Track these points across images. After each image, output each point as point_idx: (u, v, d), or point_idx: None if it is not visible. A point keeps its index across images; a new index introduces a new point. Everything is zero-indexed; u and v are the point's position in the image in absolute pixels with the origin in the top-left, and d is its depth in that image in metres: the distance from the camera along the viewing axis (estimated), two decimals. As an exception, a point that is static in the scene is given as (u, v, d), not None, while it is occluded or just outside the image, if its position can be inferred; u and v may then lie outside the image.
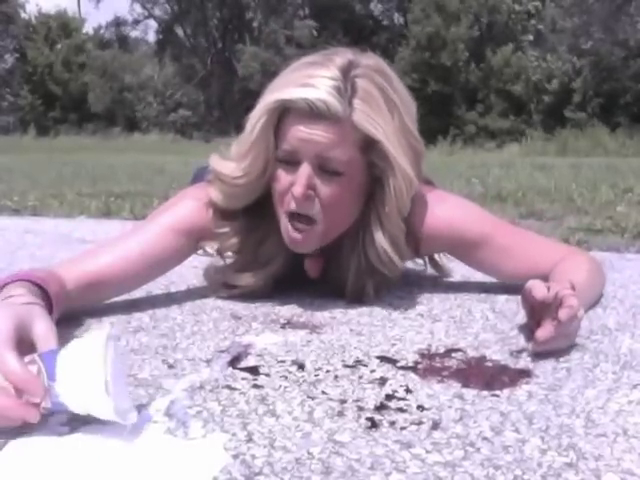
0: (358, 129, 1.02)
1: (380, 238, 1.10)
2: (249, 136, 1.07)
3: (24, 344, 0.70)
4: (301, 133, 1.01)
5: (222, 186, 1.13)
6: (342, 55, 1.05)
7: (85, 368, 0.66)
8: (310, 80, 1.00)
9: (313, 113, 1.00)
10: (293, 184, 1.04)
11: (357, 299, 1.20)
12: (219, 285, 1.24)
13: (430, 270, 1.38)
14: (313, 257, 1.21)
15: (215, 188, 1.14)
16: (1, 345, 0.68)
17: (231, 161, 1.11)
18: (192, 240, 1.18)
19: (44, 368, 0.67)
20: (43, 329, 0.72)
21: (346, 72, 1.01)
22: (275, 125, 1.05)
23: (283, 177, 1.06)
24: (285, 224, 1.08)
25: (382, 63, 1.10)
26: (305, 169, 1.03)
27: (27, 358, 0.69)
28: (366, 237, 1.12)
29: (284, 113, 1.04)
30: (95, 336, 0.68)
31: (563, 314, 0.88)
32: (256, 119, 1.05)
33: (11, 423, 0.67)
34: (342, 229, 1.13)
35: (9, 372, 0.66)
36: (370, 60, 1.07)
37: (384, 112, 1.03)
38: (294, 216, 1.07)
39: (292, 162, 1.04)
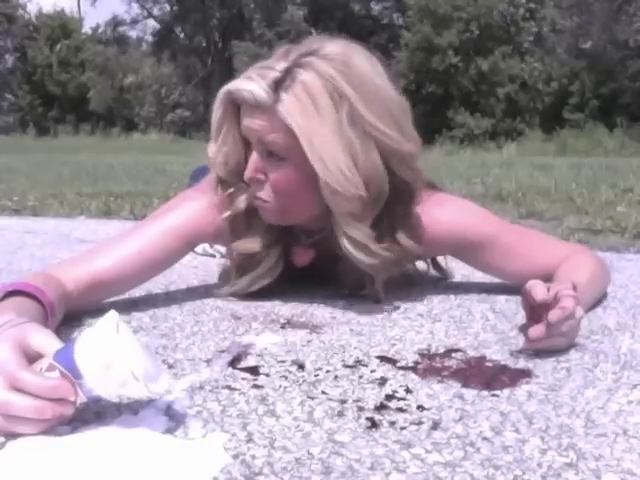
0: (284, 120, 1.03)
1: (337, 230, 1.09)
2: (213, 127, 1.13)
3: (30, 360, 0.70)
4: (244, 121, 1.07)
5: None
6: (307, 44, 1.07)
7: (107, 359, 0.66)
8: (253, 73, 1.05)
9: (248, 103, 1.05)
10: None
11: (354, 292, 1.21)
12: (231, 278, 1.23)
13: (432, 271, 1.38)
14: (302, 247, 1.21)
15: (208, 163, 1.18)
16: (14, 368, 0.67)
17: (214, 144, 1.15)
18: (191, 243, 1.19)
19: (65, 369, 0.67)
20: (41, 338, 0.72)
21: (294, 63, 1.03)
22: (236, 115, 1.09)
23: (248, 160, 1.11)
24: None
25: (349, 51, 1.06)
26: (253, 155, 1.08)
27: (41, 364, 0.69)
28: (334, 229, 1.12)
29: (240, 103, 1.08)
30: (104, 324, 0.68)
31: (552, 315, 0.88)
32: (215, 111, 1.11)
33: (49, 424, 0.67)
34: (303, 214, 1.14)
35: (35, 388, 0.66)
36: (333, 47, 1.05)
37: (321, 106, 1.01)
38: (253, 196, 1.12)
39: (251, 147, 1.09)
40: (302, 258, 1.23)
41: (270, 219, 1.13)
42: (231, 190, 1.15)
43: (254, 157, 1.08)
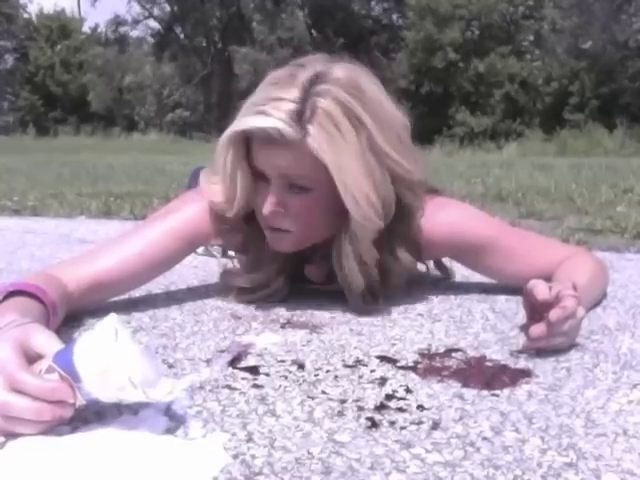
0: (312, 153, 1.00)
1: (347, 251, 1.09)
2: (224, 170, 1.07)
3: (31, 360, 0.70)
4: (262, 157, 1.03)
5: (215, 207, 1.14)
6: (310, 68, 1.02)
7: (104, 365, 0.66)
8: (266, 107, 0.99)
9: (269, 139, 1.00)
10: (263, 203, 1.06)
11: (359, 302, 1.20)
12: (235, 290, 1.22)
13: (431, 270, 1.38)
14: (314, 263, 1.21)
15: (210, 204, 1.14)
16: (14, 369, 0.67)
17: (217, 185, 1.11)
18: (192, 245, 1.19)
19: (64, 372, 0.67)
20: (43, 339, 0.73)
21: (307, 91, 0.99)
22: (245, 150, 1.06)
23: (260, 191, 1.07)
24: (266, 231, 1.11)
25: (356, 74, 1.05)
26: (273, 189, 1.05)
27: (41, 365, 0.69)
28: (336, 247, 1.11)
29: (250, 137, 1.04)
30: (103, 328, 0.68)
31: (553, 314, 0.89)
32: (225, 152, 1.06)
33: (48, 425, 0.68)
34: (319, 237, 1.13)
35: (34, 390, 0.66)
36: (341, 71, 1.03)
37: (345, 134, 0.99)
38: (270, 228, 1.09)
39: (265, 178, 1.06)
40: (318, 275, 1.23)
41: (287, 248, 1.12)
42: (226, 226, 1.15)
43: (274, 191, 1.04)
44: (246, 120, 1.02)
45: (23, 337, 0.72)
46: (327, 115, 0.99)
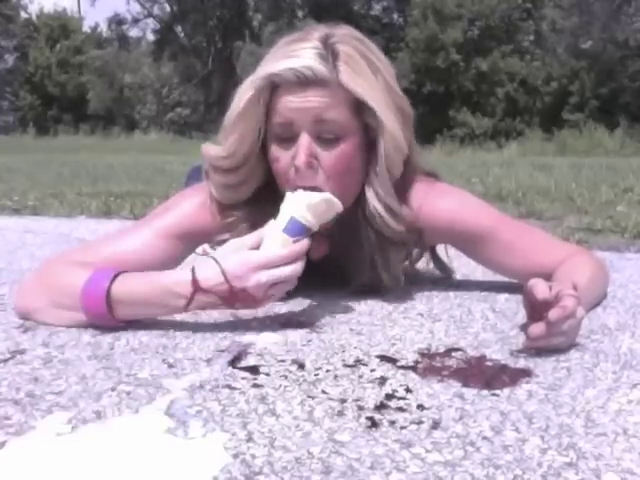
0: (346, 90, 1.04)
1: (372, 197, 1.11)
2: (234, 112, 1.06)
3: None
4: (293, 103, 1.03)
5: (215, 177, 1.12)
6: (319, 29, 1.09)
7: (314, 208, 1.01)
8: (293, 52, 1.03)
9: (301, 81, 1.02)
10: (294, 158, 1.04)
11: (367, 283, 1.22)
12: None
13: (431, 270, 1.38)
14: (316, 239, 1.21)
15: (212, 182, 1.14)
16: (257, 258, 0.97)
17: (218, 145, 1.12)
18: (190, 243, 1.18)
19: (299, 235, 1.00)
20: (252, 235, 1.02)
21: (325, 41, 1.05)
22: (267, 103, 1.05)
23: (283, 155, 1.06)
24: None
25: (356, 31, 1.13)
26: (304, 138, 1.04)
27: (267, 245, 1.00)
28: (361, 198, 1.13)
29: (273, 90, 1.05)
30: (294, 197, 1.03)
31: (552, 314, 0.88)
32: (242, 94, 1.06)
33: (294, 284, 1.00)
34: (353, 195, 1.13)
35: (285, 259, 0.98)
36: (345, 30, 1.11)
37: (367, 73, 1.06)
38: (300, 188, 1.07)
39: (289, 137, 1.05)
40: (318, 251, 1.22)
41: None
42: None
43: (307, 140, 1.03)
44: (275, 65, 1.03)
45: (239, 241, 1.00)
46: (349, 56, 1.05)
